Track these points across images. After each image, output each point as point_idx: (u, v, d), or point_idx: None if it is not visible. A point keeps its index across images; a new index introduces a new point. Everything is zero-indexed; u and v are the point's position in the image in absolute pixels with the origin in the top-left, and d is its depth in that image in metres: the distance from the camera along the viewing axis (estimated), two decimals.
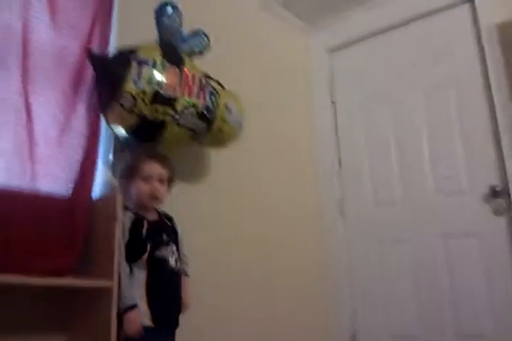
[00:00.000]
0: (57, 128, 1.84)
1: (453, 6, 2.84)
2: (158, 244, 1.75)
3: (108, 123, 1.87)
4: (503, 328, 2.38)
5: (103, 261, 1.67)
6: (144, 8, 2.16)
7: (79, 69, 1.91)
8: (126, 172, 1.83)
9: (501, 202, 2.48)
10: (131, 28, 2.19)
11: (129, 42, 2.19)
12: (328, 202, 3.07)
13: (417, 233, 2.73)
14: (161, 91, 1.79)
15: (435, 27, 2.90)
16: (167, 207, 1.92)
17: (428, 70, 2.88)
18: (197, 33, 2.06)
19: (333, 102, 3.23)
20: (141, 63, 1.79)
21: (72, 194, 1.79)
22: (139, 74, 1.76)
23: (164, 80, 1.81)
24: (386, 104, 3.00)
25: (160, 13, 1.97)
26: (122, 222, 1.70)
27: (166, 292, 1.74)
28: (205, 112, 1.95)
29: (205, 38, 2.07)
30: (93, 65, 1.82)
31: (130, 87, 1.74)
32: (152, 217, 1.82)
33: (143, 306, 1.66)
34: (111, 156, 1.99)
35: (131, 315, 1.61)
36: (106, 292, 1.63)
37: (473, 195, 2.59)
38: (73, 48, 1.94)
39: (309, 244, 2.92)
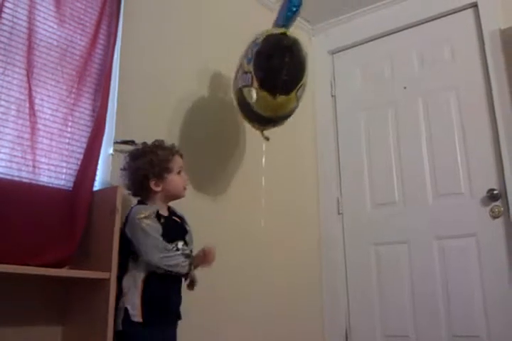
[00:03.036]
0: (59, 120, 1.85)
1: (456, 10, 2.85)
2: (170, 239, 1.75)
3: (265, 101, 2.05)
4: (497, 329, 2.39)
5: (102, 253, 1.68)
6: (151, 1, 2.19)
7: (84, 63, 1.92)
8: (157, 170, 1.80)
9: (499, 205, 2.50)
10: (138, 22, 2.21)
11: (135, 36, 2.21)
12: (326, 201, 3.07)
13: (414, 235, 2.73)
14: None
15: (438, 32, 2.91)
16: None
17: (429, 74, 2.89)
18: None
19: (333, 96, 3.24)
20: None
21: (74, 185, 1.81)
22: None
23: None
24: (386, 106, 3.00)
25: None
26: (153, 212, 1.73)
27: (165, 287, 1.71)
28: None
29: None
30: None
31: (306, 80, 2.12)
32: (165, 213, 1.82)
33: (136, 300, 1.65)
34: (112, 150, 2.00)
35: None
36: (103, 283, 1.64)
37: (471, 197, 2.60)
38: (78, 41, 1.95)
39: (306, 243, 2.93)
